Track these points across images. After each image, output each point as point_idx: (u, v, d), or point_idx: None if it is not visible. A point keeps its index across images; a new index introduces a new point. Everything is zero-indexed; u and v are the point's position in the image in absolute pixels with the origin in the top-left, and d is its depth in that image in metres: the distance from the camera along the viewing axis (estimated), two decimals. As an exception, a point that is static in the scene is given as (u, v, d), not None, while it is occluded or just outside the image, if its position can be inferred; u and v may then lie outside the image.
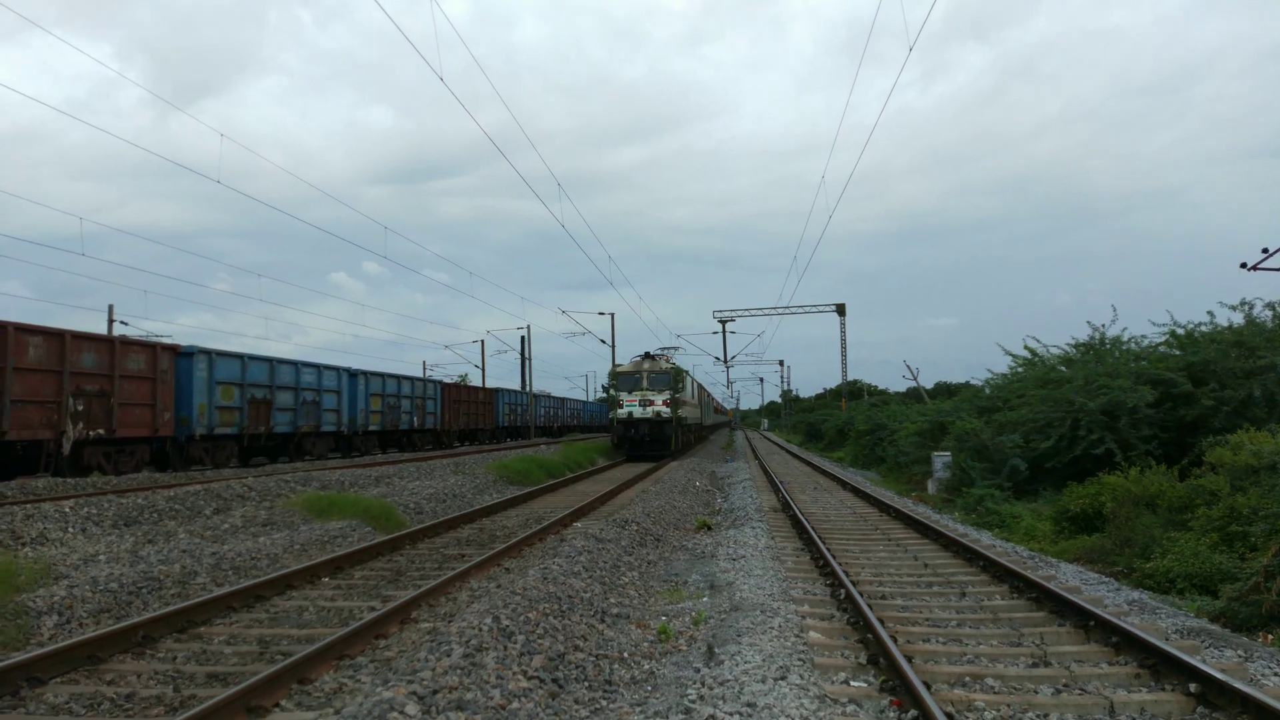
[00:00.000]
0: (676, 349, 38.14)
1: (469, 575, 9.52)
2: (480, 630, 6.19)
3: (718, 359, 70.56)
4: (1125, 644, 6.36)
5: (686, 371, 37.57)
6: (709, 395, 64.82)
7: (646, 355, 34.29)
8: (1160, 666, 5.83)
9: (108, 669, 6.21)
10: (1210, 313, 19.78)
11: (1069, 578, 9.75)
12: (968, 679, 5.89)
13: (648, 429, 32.16)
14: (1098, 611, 7.01)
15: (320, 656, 6.11)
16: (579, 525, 13.62)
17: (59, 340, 18.70)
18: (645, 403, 32.03)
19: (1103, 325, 22.83)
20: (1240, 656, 6.51)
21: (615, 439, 33.60)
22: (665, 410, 32.02)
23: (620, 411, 32.71)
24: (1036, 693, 5.64)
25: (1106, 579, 10.12)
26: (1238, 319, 18.98)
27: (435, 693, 4.96)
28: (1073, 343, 23.52)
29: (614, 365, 34.32)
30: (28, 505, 12.62)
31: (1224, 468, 12.37)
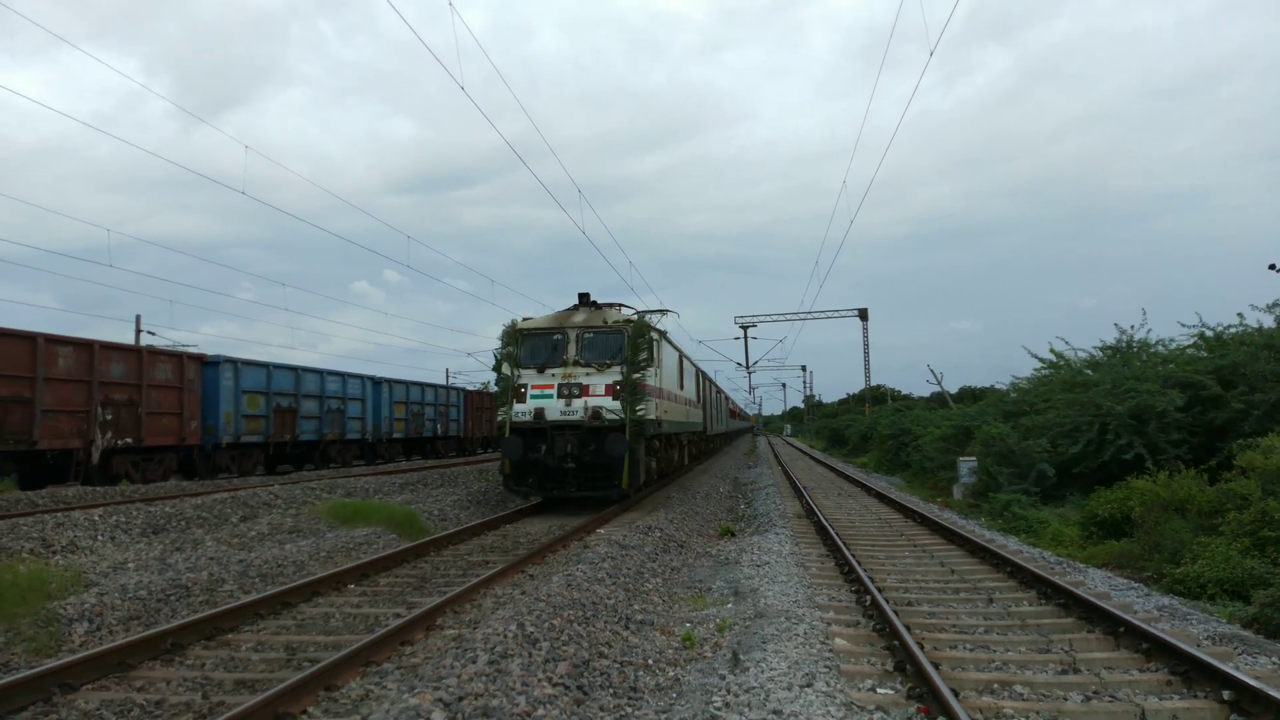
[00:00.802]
0: (665, 312, 21.81)
1: (493, 582, 9.54)
2: (505, 637, 6.19)
3: (740, 364, 70.49)
4: (1156, 650, 6.29)
5: (663, 336, 19.70)
6: (719, 392, 46.29)
7: (582, 301, 18.46)
8: (1192, 673, 5.75)
9: (138, 675, 6.27)
10: (1240, 314, 19.55)
11: (1097, 583, 9.64)
12: (996, 686, 5.83)
13: (574, 444, 16.12)
14: (1127, 617, 6.93)
15: (347, 663, 6.15)
16: (602, 532, 13.62)
17: (88, 351, 18.95)
18: (571, 391, 16.47)
19: (1130, 328, 22.63)
20: (1275, 664, 6.40)
21: (507, 468, 16.60)
22: (612, 406, 16.25)
23: (517, 410, 16.58)
24: (1066, 700, 5.58)
25: (1135, 584, 10.00)
26: (1269, 321, 18.73)
27: (461, 699, 4.96)
28: (1100, 345, 23.33)
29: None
30: (58, 513, 12.79)
31: (1255, 472, 12.20)
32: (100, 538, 11.94)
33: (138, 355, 20.83)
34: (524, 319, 17.83)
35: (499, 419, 17.00)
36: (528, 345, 17.24)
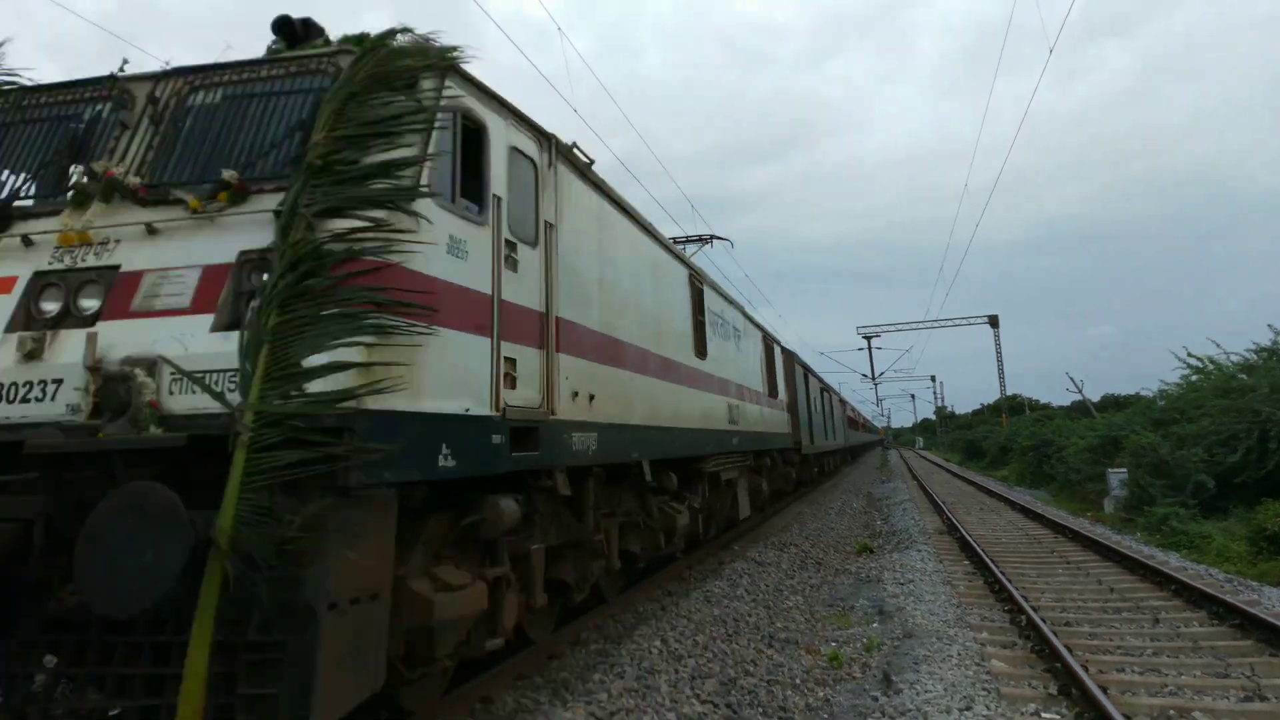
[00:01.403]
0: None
1: (632, 597, 9.58)
2: (650, 653, 6.23)
3: (865, 375, 69.11)
4: (1353, 677, 5.81)
5: (576, 161, 6.69)
6: (826, 390, 31.77)
7: (282, 35, 4.67)
8: (1398, 703, 5.28)
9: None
10: None
11: (1275, 603, 8.97)
12: (1172, 712, 5.49)
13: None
14: (1316, 641, 6.44)
15: (498, 677, 6.28)
16: (735, 548, 13.53)
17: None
18: (71, 299, 3.81)
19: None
20: None
21: None
22: (214, 351, 3.59)
23: None
24: (1253, 729, 5.21)
25: (1319, 605, 9.25)
26: None
27: (613, 715, 5.01)
28: (1254, 348, 21.80)
29: None
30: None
31: None
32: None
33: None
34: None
35: None
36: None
